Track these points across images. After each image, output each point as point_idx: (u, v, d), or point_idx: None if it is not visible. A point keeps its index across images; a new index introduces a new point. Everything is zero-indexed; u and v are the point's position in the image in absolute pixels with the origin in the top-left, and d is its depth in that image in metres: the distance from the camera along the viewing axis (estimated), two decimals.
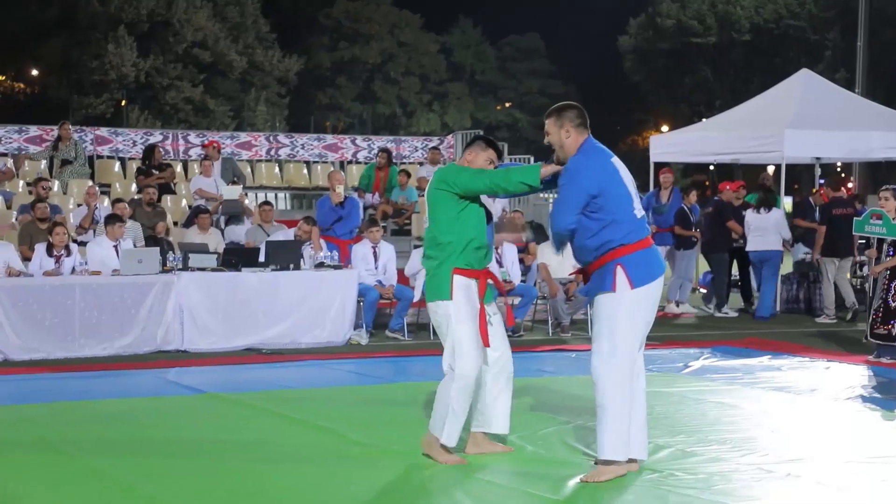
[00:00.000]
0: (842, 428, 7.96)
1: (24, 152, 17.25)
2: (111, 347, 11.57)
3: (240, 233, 14.78)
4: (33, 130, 17.79)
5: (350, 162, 19.85)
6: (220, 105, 45.95)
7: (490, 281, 6.70)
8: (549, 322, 14.08)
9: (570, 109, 6.39)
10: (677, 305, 16.17)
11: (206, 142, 17.39)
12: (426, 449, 6.64)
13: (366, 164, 18.90)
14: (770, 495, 6.00)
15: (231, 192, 15.29)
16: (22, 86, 47.88)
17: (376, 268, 13.40)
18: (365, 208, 16.95)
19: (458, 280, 6.49)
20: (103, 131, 18.53)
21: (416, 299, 13.57)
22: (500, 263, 13.73)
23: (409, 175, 17.51)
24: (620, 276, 6.16)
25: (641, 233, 6.26)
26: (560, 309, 13.82)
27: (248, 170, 18.63)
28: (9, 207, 15.04)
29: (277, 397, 9.04)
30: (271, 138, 19.80)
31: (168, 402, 9.03)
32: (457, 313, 6.47)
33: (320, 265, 12.92)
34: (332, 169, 17.93)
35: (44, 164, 16.83)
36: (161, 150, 17.34)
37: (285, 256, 12.50)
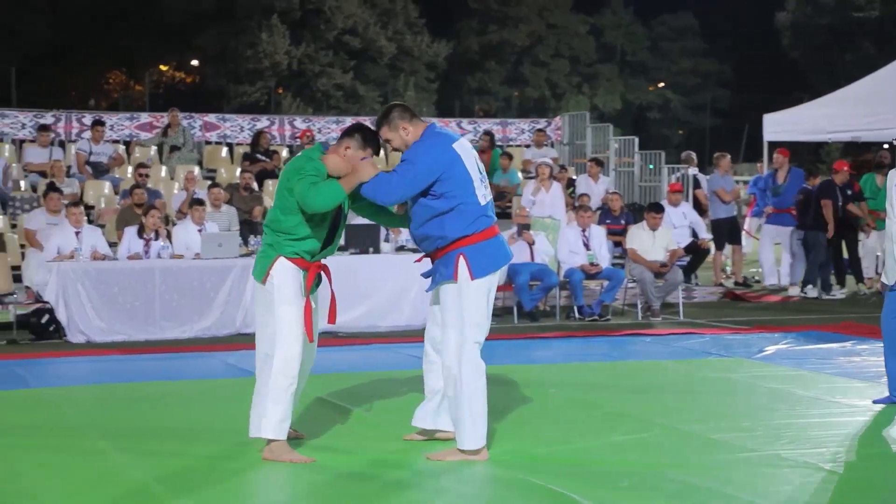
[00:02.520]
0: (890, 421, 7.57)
1: (135, 139, 17.84)
2: (190, 330, 11.86)
3: None
4: (144, 117, 18.37)
5: None
6: (369, 91, 46.52)
7: (321, 273, 6.46)
8: (639, 306, 13.83)
9: (393, 110, 6.31)
10: (800, 289, 15.67)
11: (304, 130, 17.70)
12: (269, 456, 6.25)
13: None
14: (772, 486, 5.82)
15: None
16: (182, 75, 49.43)
17: None
18: None
19: (282, 264, 6.23)
20: (211, 117, 18.99)
21: (500, 283, 13.52)
22: (587, 246, 13.58)
23: (510, 158, 17.40)
24: (462, 266, 6.12)
25: (486, 221, 6.21)
26: (650, 292, 13.56)
27: None
28: (116, 193, 15.58)
29: (329, 380, 9.08)
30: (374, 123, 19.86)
31: (215, 385, 9.20)
32: (279, 295, 6.21)
33: (401, 248, 12.96)
34: None
35: (153, 150, 17.37)
36: (268, 135, 17.65)
37: (365, 240, 12.58)
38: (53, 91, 41.99)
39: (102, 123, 16.86)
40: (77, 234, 12.31)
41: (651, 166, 19.41)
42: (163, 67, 48.76)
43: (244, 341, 11.63)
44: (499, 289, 13.57)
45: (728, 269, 17.12)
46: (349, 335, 12.08)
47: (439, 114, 42.53)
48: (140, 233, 12.42)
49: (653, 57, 57.16)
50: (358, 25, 45.95)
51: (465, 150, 6.27)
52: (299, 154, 6.46)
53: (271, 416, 6.17)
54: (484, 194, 6.24)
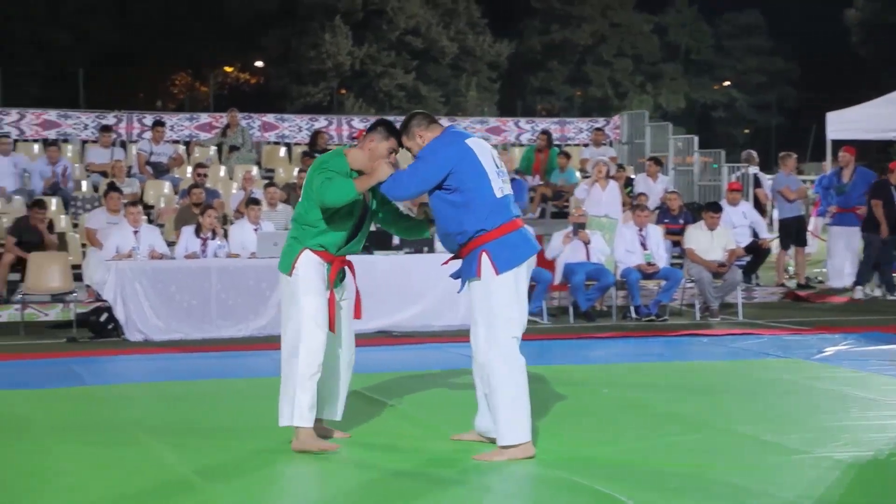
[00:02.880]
0: None
1: (194, 139, 18.00)
2: (246, 329, 11.92)
3: None
4: (204, 118, 18.53)
5: (513, 144, 19.80)
6: (431, 91, 46.53)
7: (346, 268, 6.54)
8: (697, 306, 13.68)
9: (412, 119, 6.37)
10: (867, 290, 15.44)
11: (361, 130, 17.72)
12: (297, 446, 6.34)
13: (530, 146, 18.81)
14: (822, 488, 5.71)
15: None
16: (246, 76, 49.83)
17: None
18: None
19: (308, 256, 6.33)
20: (270, 118, 19.12)
21: (556, 282, 13.46)
22: (644, 246, 13.46)
23: (568, 157, 17.32)
24: (486, 262, 6.10)
25: (505, 215, 6.18)
26: (708, 292, 13.41)
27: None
28: (176, 192, 15.72)
29: (380, 379, 9.07)
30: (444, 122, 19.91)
31: (267, 384, 9.19)
32: (305, 286, 6.28)
33: None
34: (501, 151, 17.91)
35: (213, 150, 17.52)
36: (326, 135, 17.72)
37: (420, 239, 12.55)
38: (121, 93, 42.54)
39: (163, 124, 17.04)
40: (135, 233, 12.44)
41: (715, 165, 19.23)
42: (227, 69, 49.18)
43: None
44: (554, 288, 13.67)
45: (791, 269, 16.89)
46: (403, 334, 12.08)
47: (501, 113, 42.44)
48: (197, 232, 12.52)
49: (718, 55, 56.57)
50: (420, 26, 45.99)
51: (479, 145, 6.30)
52: (334, 149, 6.52)
53: (298, 404, 6.25)
54: (501, 187, 6.22)
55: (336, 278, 6.45)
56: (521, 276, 6.27)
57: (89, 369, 9.89)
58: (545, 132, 17.82)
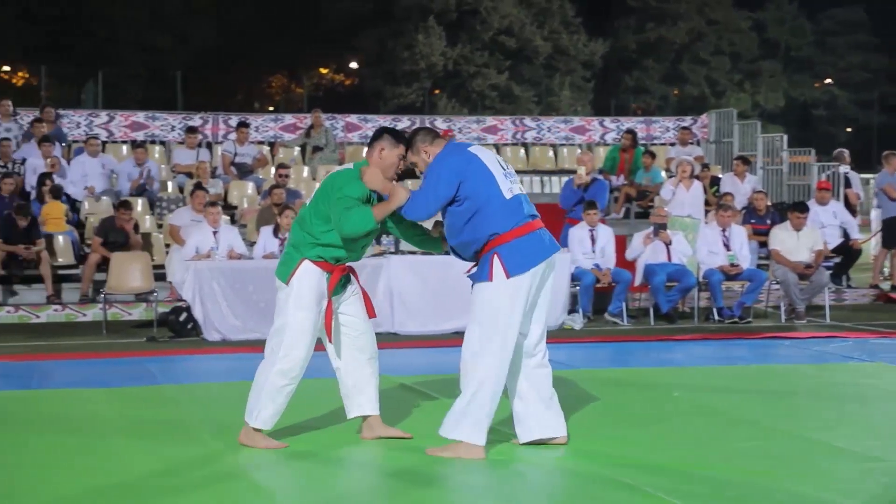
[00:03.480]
0: None
1: (279, 140, 18.13)
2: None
3: None
4: (288, 119, 18.68)
5: (598, 144, 19.61)
6: (524, 91, 46.42)
7: (350, 275, 6.51)
8: (782, 308, 13.38)
9: (416, 135, 6.35)
10: None
11: (445, 129, 17.71)
12: (243, 439, 6.47)
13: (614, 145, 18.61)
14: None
15: None
16: (341, 77, 50.24)
17: (593, 251, 13.17)
18: (610, 191, 16.70)
19: (307, 267, 6.31)
20: (353, 118, 19.20)
21: (636, 283, 13.27)
22: (727, 246, 13.21)
23: (654, 156, 17.09)
24: (497, 265, 6.03)
25: (517, 217, 6.10)
26: (794, 294, 13.11)
27: (494, 153, 18.75)
28: (259, 193, 15.85)
29: (439, 380, 8.99)
30: (517, 122, 19.89)
31: (333, 384, 9.20)
32: (297, 300, 6.31)
33: None
34: (578, 151, 17.75)
35: (296, 151, 17.63)
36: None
37: None
38: (218, 94, 43.20)
39: (247, 125, 17.20)
40: (215, 233, 12.55)
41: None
42: (322, 70, 49.65)
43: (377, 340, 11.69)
44: (634, 289, 13.48)
45: (886, 271, 16.42)
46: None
47: (595, 112, 42.12)
48: (275, 232, 12.59)
49: (818, 52, 55.45)
50: (514, 25, 45.91)
51: (482, 151, 6.32)
52: (348, 168, 6.41)
53: (264, 410, 6.36)
54: (510, 188, 6.17)
55: (337, 285, 6.40)
56: (533, 281, 6.14)
57: (164, 369, 9.97)
58: (630, 131, 17.60)
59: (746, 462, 6.20)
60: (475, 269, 6.23)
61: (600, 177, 15.08)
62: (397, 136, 6.37)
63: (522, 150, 19.32)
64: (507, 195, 6.14)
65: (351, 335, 6.53)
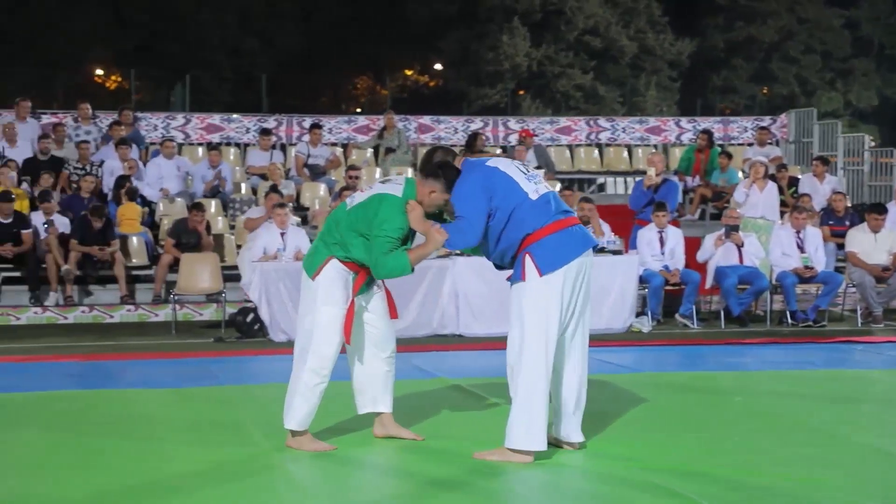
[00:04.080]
0: None
1: (351, 142, 18.20)
2: None
3: None
4: (361, 120, 18.74)
5: (674, 144, 19.34)
6: (609, 91, 46.02)
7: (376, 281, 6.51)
8: (859, 312, 13.07)
9: (434, 154, 6.45)
10: None
11: (521, 130, 17.66)
12: (290, 443, 6.46)
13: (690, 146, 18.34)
14: None
15: None
16: (425, 79, 50.39)
17: (662, 253, 12.99)
18: (685, 192, 16.49)
19: (334, 264, 6.31)
20: (426, 119, 19.21)
21: (707, 286, 13.07)
22: (801, 249, 12.94)
23: (730, 157, 16.79)
24: (529, 264, 6.00)
25: (546, 215, 6.05)
26: (870, 297, 12.79)
27: (567, 154, 18.70)
28: (331, 194, 15.91)
29: (500, 383, 8.92)
30: (591, 122, 19.71)
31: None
32: (325, 296, 6.29)
33: (601, 250, 12.67)
34: (653, 152, 17.53)
35: (369, 152, 17.68)
36: (483, 136, 17.70)
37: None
38: (304, 97, 43.57)
39: (320, 127, 17.28)
40: (282, 235, 12.62)
41: None
42: (408, 72, 49.84)
43: (440, 342, 11.69)
44: (706, 292, 13.27)
45: None
46: None
47: (681, 112, 41.66)
48: None
49: None
50: (599, 25, 45.55)
51: (500, 161, 6.31)
52: (395, 196, 6.24)
53: (297, 412, 6.37)
54: (535, 189, 6.14)
55: (363, 285, 6.41)
56: (567, 278, 6.06)
57: (226, 369, 10.06)
58: (706, 131, 17.33)
59: (800, 469, 6.05)
60: (512, 274, 6.21)
61: (671, 178, 14.88)
62: (452, 182, 6.23)
63: (596, 151, 19.14)
64: (534, 196, 6.10)
65: (371, 333, 6.55)
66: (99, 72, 45.45)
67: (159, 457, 6.41)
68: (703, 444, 6.68)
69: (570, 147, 19.05)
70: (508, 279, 6.25)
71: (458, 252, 12.32)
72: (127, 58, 43.12)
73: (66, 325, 13.40)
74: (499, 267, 6.35)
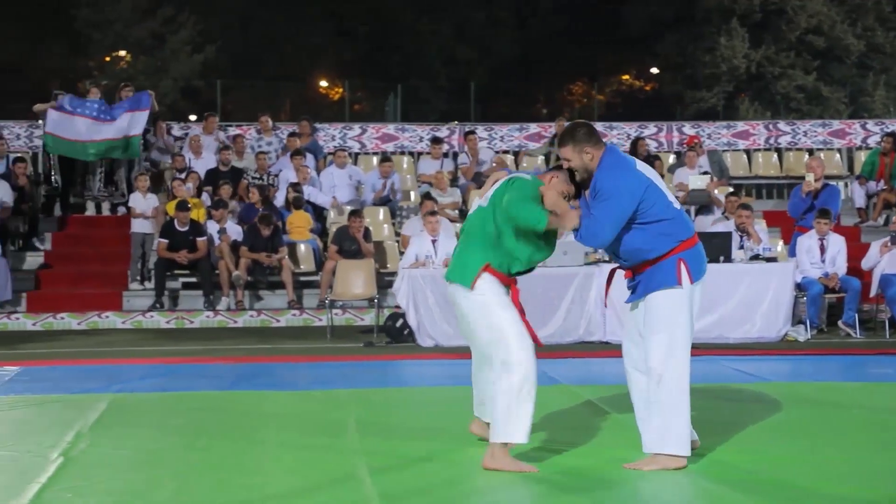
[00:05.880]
0: None
1: (523, 149, 18.24)
2: None
3: (707, 223, 14.47)
4: (533, 128, 18.77)
5: (859, 148, 18.49)
6: (834, 92, 44.36)
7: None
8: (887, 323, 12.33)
9: (579, 129, 6.05)
10: None
11: (689, 137, 17.34)
12: (490, 463, 6.00)
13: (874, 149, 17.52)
14: None
15: (698, 181, 15.02)
16: (640, 83, 49.93)
17: (823, 260, 12.51)
18: (868, 197, 15.83)
19: (490, 275, 6.12)
20: (598, 126, 19.00)
21: (872, 293, 12.52)
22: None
23: None
24: (683, 271, 5.99)
25: (689, 228, 6.11)
26: None
27: (744, 159, 18.19)
28: None
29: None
30: (770, 126, 19.08)
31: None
32: (498, 300, 6.10)
33: (755, 257, 12.33)
34: (836, 157, 16.89)
35: (540, 159, 17.67)
36: (646, 142, 17.47)
37: (715, 248, 12.06)
38: (519, 104, 43.88)
39: (473, 133, 17.32)
40: (433, 242, 12.81)
41: None
42: (624, 77, 49.48)
43: (584, 349, 11.60)
44: (871, 300, 12.67)
45: None
46: (694, 346, 11.62)
47: None
48: None
49: None
50: (823, 24, 44.00)
51: (645, 167, 6.16)
52: (526, 178, 6.21)
53: (522, 423, 6.03)
54: (674, 201, 6.13)
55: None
56: (697, 289, 6.12)
57: (370, 372, 10.27)
58: (891, 134, 16.51)
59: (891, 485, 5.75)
60: (652, 276, 6.09)
61: (832, 183, 14.30)
62: (573, 179, 6.11)
63: (775, 156, 18.53)
64: (677, 206, 6.13)
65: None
66: (323, 83, 46.99)
67: (277, 456, 6.60)
68: (793, 454, 6.46)
69: (747, 152, 18.55)
70: (635, 283, 6.21)
71: (606, 259, 12.23)
72: (348, 69, 44.48)
73: (234, 328, 13.98)
74: (616, 258, 6.28)
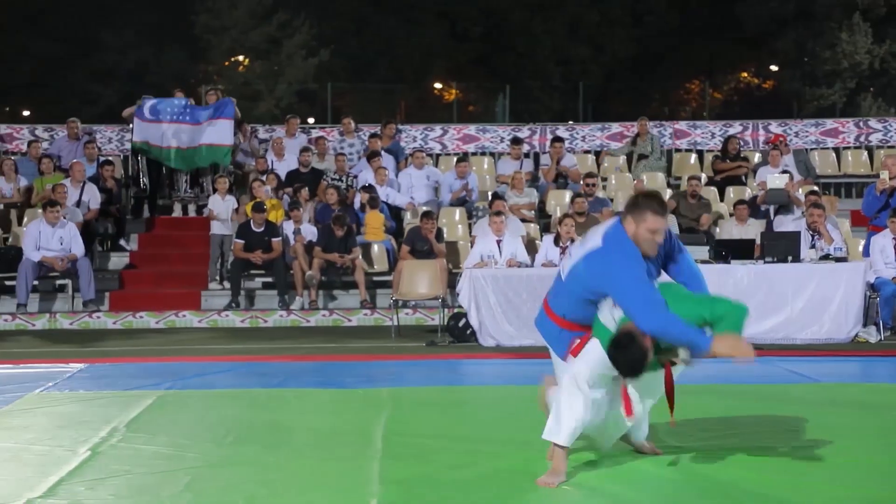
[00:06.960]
0: None
1: (605, 149, 18.02)
2: None
3: (787, 223, 14.12)
4: (615, 128, 18.51)
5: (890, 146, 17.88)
6: None
7: None
8: None
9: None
10: None
11: (774, 136, 16.93)
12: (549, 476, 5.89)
13: None
14: None
15: (776, 181, 14.64)
16: (758, 81, 49.03)
17: None
18: None
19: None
20: (682, 125, 18.73)
21: None
22: None
23: None
24: None
25: None
26: None
27: (833, 157, 17.69)
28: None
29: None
30: (861, 124, 18.49)
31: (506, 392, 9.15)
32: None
33: (825, 257, 12.00)
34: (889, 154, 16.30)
35: (622, 159, 17.45)
36: (739, 141, 17.09)
37: (784, 248, 11.80)
38: (635, 104, 43.43)
39: (560, 140, 17.14)
40: (498, 242, 12.76)
41: None
42: (743, 74, 48.62)
43: None
44: None
45: None
46: (759, 347, 11.32)
47: None
48: (556, 241, 12.60)
49: None
50: None
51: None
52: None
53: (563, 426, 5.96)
54: None
55: None
56: None
57: (430, 371, 10.30)
58: None
59: None
60: None
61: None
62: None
63: (865, 154, 17.97)
64: None
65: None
66: (437, 85, 47.21)
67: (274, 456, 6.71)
68: (813, 456, 6.42)
69: (836, 150, 18.04)
70: None
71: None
72: (462, 70, 44.62)
73: (306, 327, 14.13)
74: None
